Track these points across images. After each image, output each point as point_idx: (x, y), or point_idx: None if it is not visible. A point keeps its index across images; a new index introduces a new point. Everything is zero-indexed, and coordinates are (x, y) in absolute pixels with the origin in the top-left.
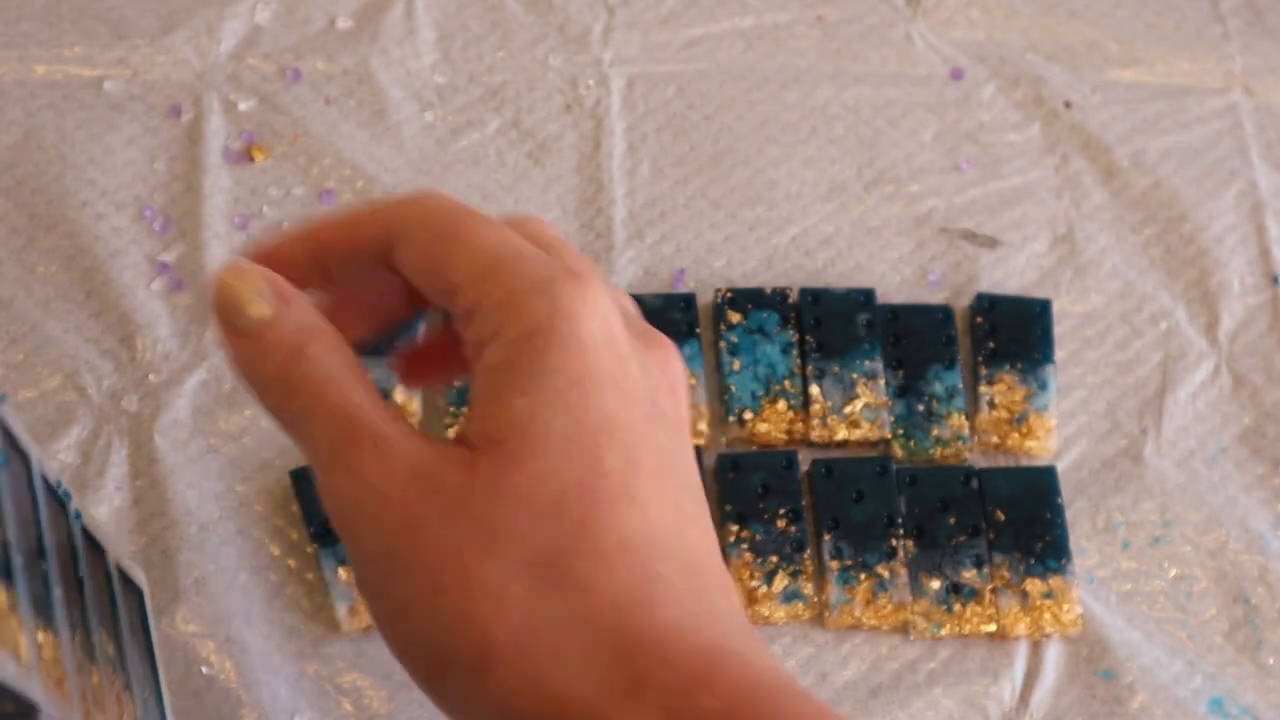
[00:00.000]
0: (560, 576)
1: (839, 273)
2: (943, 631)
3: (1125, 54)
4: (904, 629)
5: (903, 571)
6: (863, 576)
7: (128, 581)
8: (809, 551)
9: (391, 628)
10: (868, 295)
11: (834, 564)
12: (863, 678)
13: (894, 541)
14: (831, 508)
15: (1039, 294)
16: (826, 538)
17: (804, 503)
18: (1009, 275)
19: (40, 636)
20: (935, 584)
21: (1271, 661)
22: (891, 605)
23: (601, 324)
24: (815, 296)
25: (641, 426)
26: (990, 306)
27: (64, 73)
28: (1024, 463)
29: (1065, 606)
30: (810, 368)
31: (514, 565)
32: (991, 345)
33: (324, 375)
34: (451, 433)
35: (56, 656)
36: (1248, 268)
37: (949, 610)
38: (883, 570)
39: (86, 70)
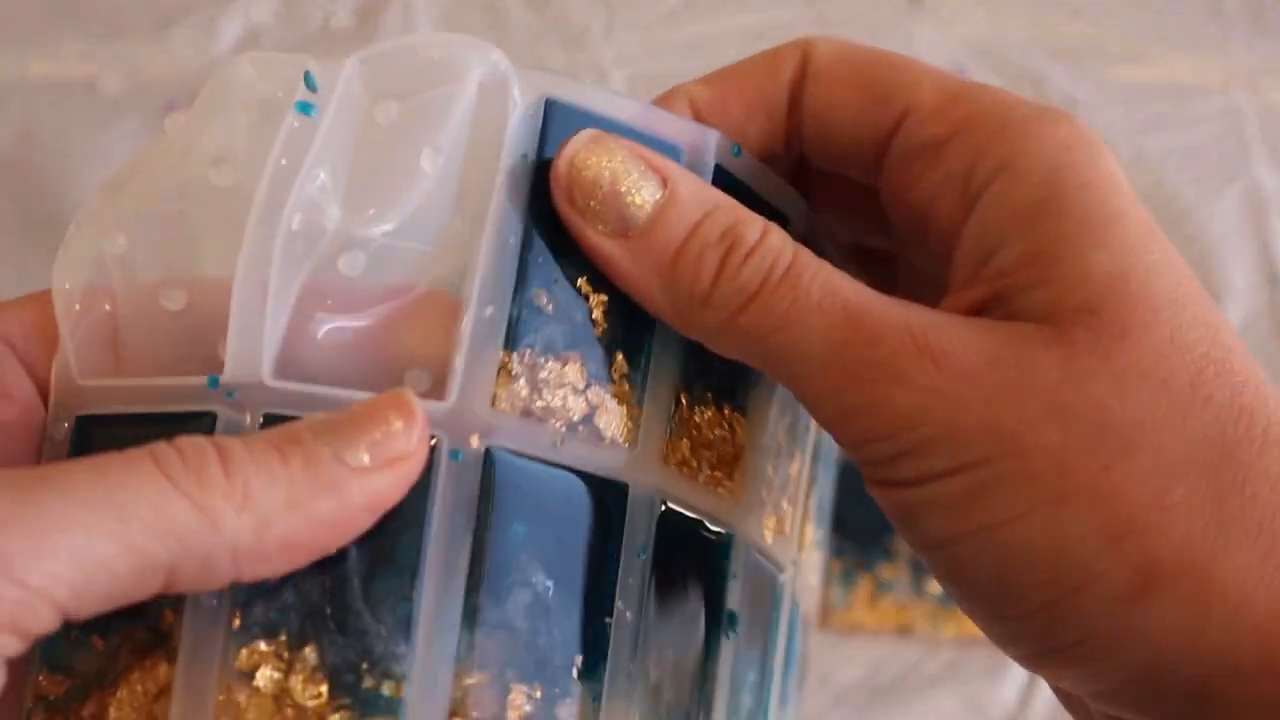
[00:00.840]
0: (1232, 472)
1: None
2: (944, 633)
3: (1127, 53)
4: (906, 630)
5: (905, 572)
6: (864, 577)
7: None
8: None
9: (988, 548)
10: None
11: (835, 565)
12: (864, 679)
13: (896, 542)
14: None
15: None
16: None
17: None
18: None
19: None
20: (937, 585)
21: None
22: (893, 606)
23: (1108, 156)
24: None
25: (1181, 268)
26: None
27: (61, 71)
28: None
29: None
30: None
31: (1168, 462)
32: None
33: (789, 266)
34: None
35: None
36: (1250, 268)
37: (950, 610)
38: (884, 571)
39: (83, 68)
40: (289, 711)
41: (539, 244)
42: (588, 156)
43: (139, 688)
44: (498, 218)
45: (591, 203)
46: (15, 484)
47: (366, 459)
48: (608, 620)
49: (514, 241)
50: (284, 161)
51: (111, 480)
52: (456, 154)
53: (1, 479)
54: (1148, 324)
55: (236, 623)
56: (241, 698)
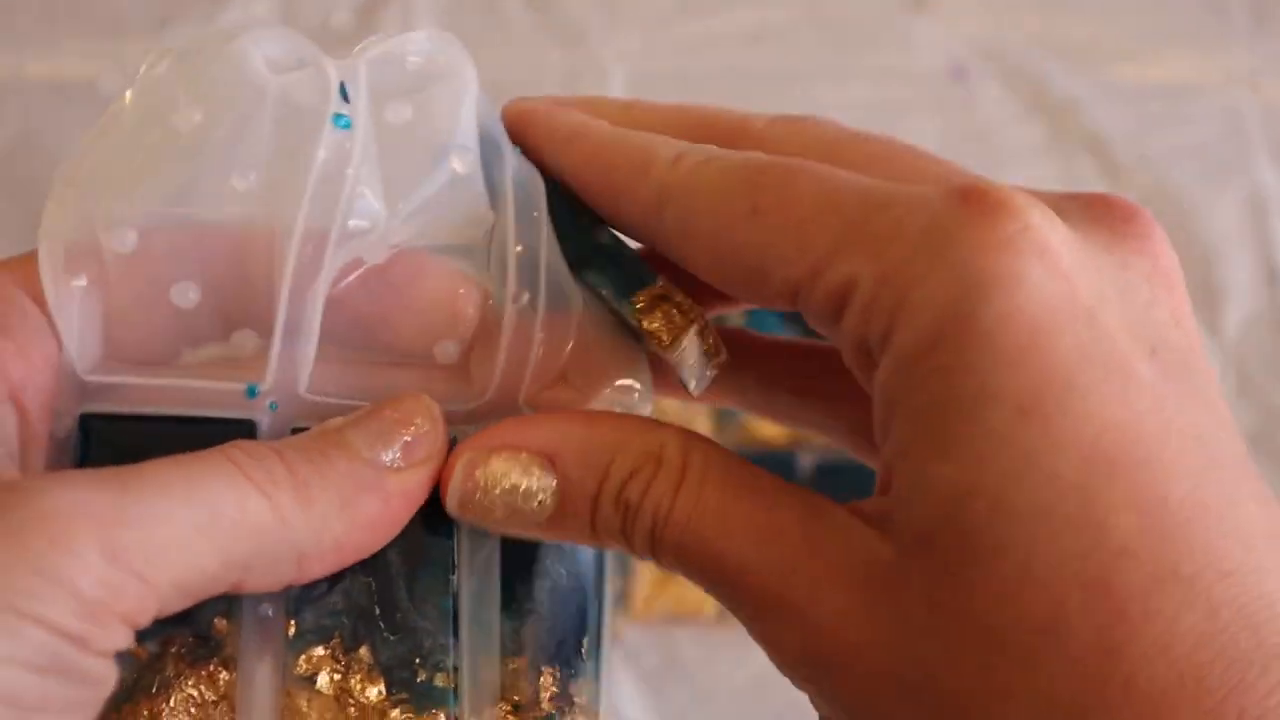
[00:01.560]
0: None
1: None
2: None
3: (1128, 52)
4: None
5: None
6: None
7: None
8: None
9: None
10: None
11: None
12: None
13: None
14: None
15: None
16: None
17: None
18: None
19: None
20: None
21: None
22: None
23: (1044, 274)
24: None
25: (1150, 413)
26: None
27: (59, 71)
28: None
29: None
30: None
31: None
32: None
33: (668, 517)
34: None
35: None
36: (1252, 266)
37: None
38: None
39: (81, 68)
40: (351, 710)
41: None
42: (470, 489)
43: (194, 693)
44: (518, 207)
45: (501, 523)
46: (120, 479)
47: (400, 459)
48: (601, 603)
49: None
50: (323, 176)
51: (197, 479)
52: (474, 148)
53: (104, 474)
54: (994, 555)
55: (292, 630)
56: (303, 701)
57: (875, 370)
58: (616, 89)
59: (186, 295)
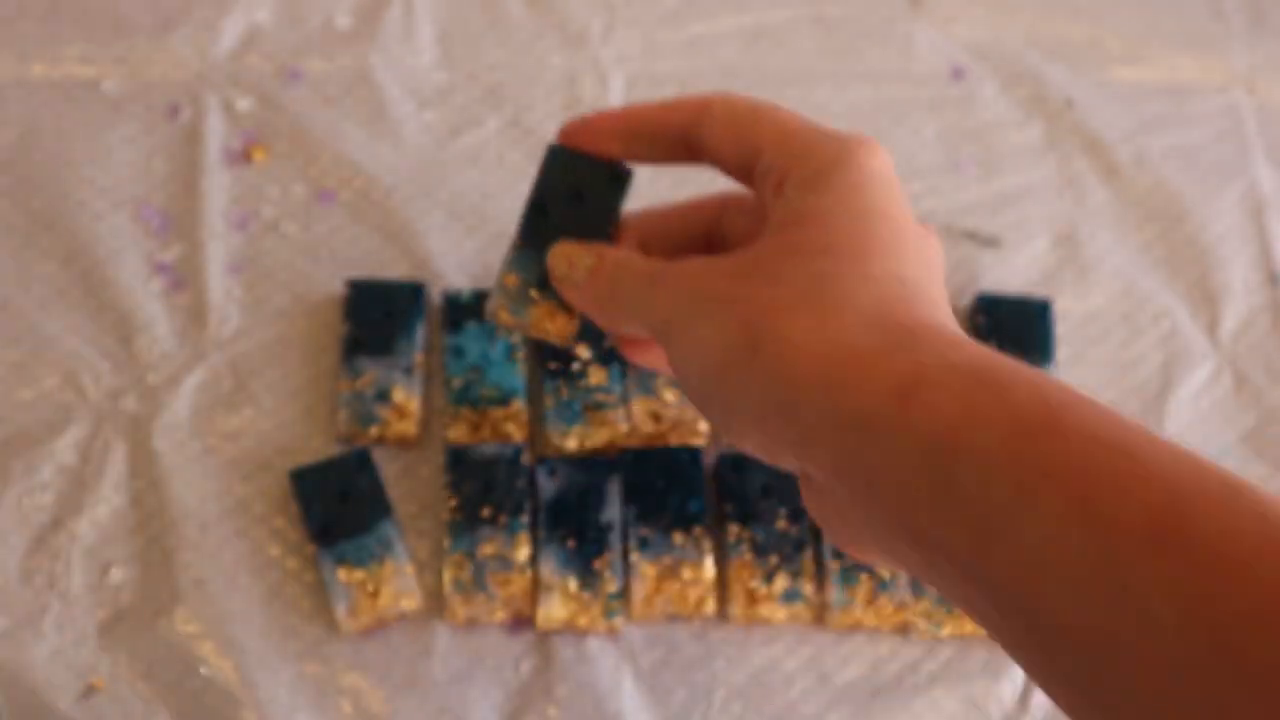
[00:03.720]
0: (832, 277)
1: None
2: (944, 631)
3: (1127, 52)
4: (905, 629)
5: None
6: (863, 576)
7: None
8: (809, 551)
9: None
10: None
11: (834, 564)
12: (863, 678)
13: None
14: None
15: (1040, 293)
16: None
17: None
18: (1010, 274)
19: None
20: None
21: None
22: (892, 605)
23: (882, 162)
24: None
25: (911, 231)
26: (991, 306)
27: (62, 72)
28: None
29: None
30: None
31: (790, 274)
32: (993, 345)
33: (614, 269)
34: (450, 433)
35: None
36: (1250, 267)
37: (950, 610)
38: (883, 570)
39: (85, 70)
40: None
41: None
42: (561, 255)
43: None
44: None
45: (566, 270)
46: None
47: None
48: None
49: None
50: None
51: None
52: None
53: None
54: (816, 224)
55: None
56: None
57: (783, 186)
58: (617, 90)
59: None
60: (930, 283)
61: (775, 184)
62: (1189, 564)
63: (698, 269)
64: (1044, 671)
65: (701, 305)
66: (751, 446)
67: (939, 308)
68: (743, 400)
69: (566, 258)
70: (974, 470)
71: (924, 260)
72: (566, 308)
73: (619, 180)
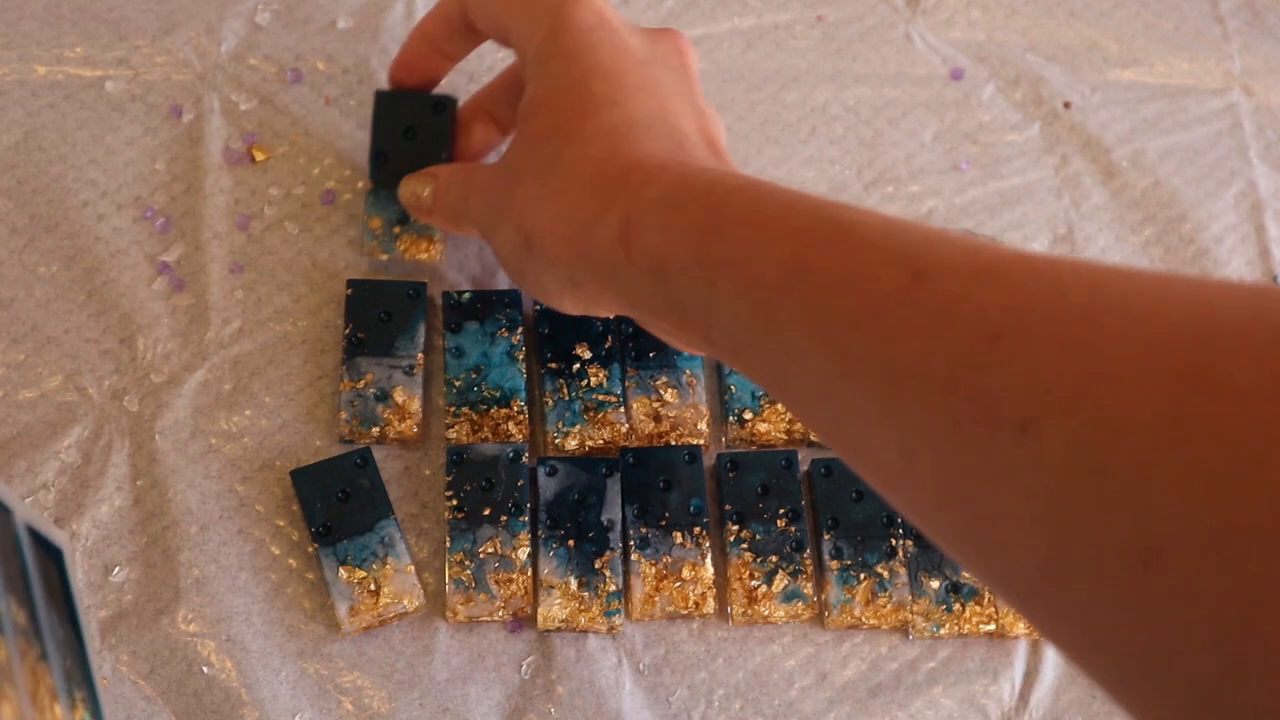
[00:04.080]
0: (558, 157)
1: None
2: (942, 631)
3: (1125, 54)
4: (904, 628)
5: (902, 571)
6: (862, 576)
7: (43, 543)
8: (809, 551)
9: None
10: None
11: (834, 564)
12: (862, 677)
13: (894, 541)
14: (831, 508)
15: None
16: (826, 537)
17: (804, 503)
18: None
19: None
20: (935, 583)
21: None
22: (891, 605)
23: (590, 12)
24: None
25: (633, 66)
26: None
27: (65, 73)
28: None
29: None
30: None
31: (532, 168)
32: None
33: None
34: (451, 433)
35: None
36: (1247, 268)
37: (949, 610)
38: (882, 570)
39: (87, 70)
40: None
41: None
42: (405, 187)
43: None
44: None
45: (412, 202)
46: None
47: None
48: None
49: None
50: None
51: None
52: None
53: None
54: (541, 109)
55: None
56: None
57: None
58: None
59: None
60: (667, 99)
61: (522, 63)
62: (808, 302)
63: (486, 179)
64: (758, 381)
65: (491, 215)
66: (563, 309)
67: (658, 130)
68: (538, 282)
69: (411, 190)
70: (680, 278)
71: (651, 85)
72: (429, 232)
73: (442, 108)
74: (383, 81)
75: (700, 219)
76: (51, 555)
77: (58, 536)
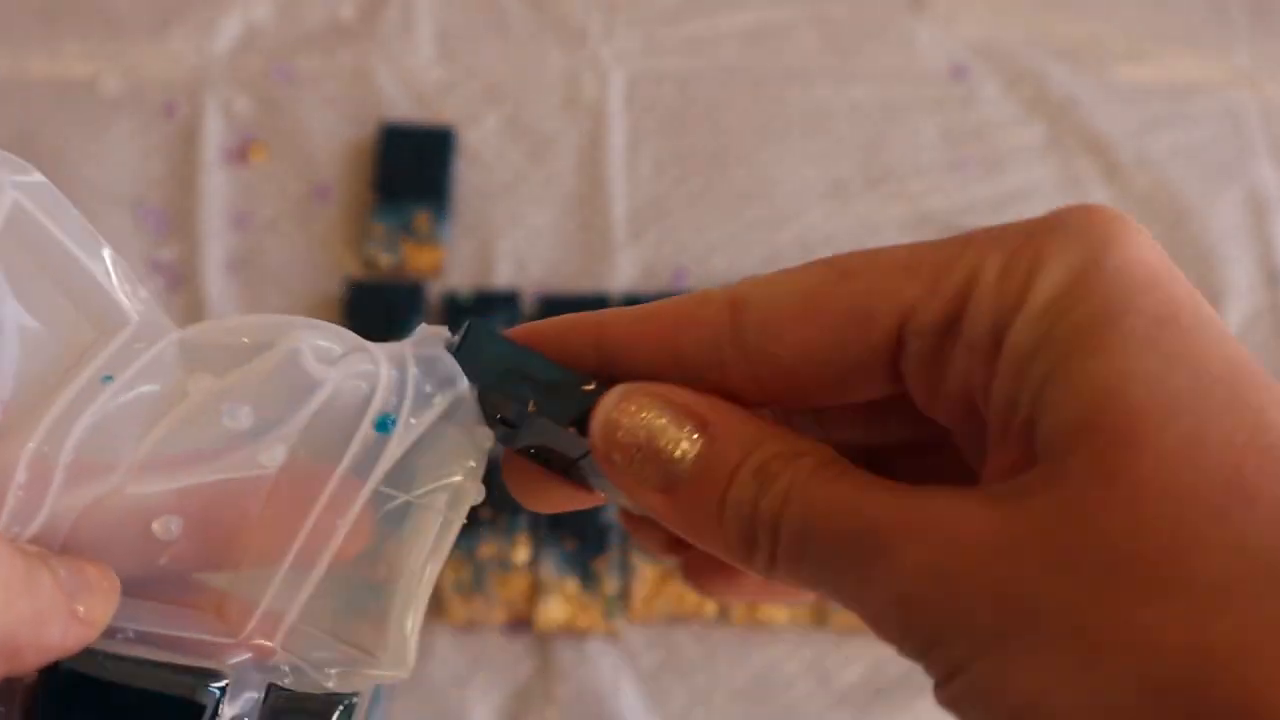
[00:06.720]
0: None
1: None
2: None
3: (1129, 51)
4: None
5: None
6: None
7: None
8: None
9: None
10: None
11: None
12: (865, 679)
13: None
14: None
15: None
16: None
17: None
18: None
19: None
20: None
21: None
22: None
23: (1148, 238)
24: None
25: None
26: None
27: (60, 71)
28: None
29: None
30: None
31: (1206, 592)
32: None
33: (808, 493)
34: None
35: None
36: (1252, 267)
37: None
38: None
39: (82, 68)
40: None
41: None
42: (620, 417)
43: None
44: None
45: (633, 463)
46: None
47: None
48: None
49: None
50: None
51: None
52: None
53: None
54: (1161, 425)
55: None
56: None
57: (996, 360)
58: (616, 89)
59: (168, 529)
60: None
61: (969, 339)
62: None
63: (965, 536)
64: None
65: (1025, 621)
66: None
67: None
68: None
69: (646, 434)
70: None
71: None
72: (432, 240)
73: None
74: (380, 79)
75: None
76: None
77: None
